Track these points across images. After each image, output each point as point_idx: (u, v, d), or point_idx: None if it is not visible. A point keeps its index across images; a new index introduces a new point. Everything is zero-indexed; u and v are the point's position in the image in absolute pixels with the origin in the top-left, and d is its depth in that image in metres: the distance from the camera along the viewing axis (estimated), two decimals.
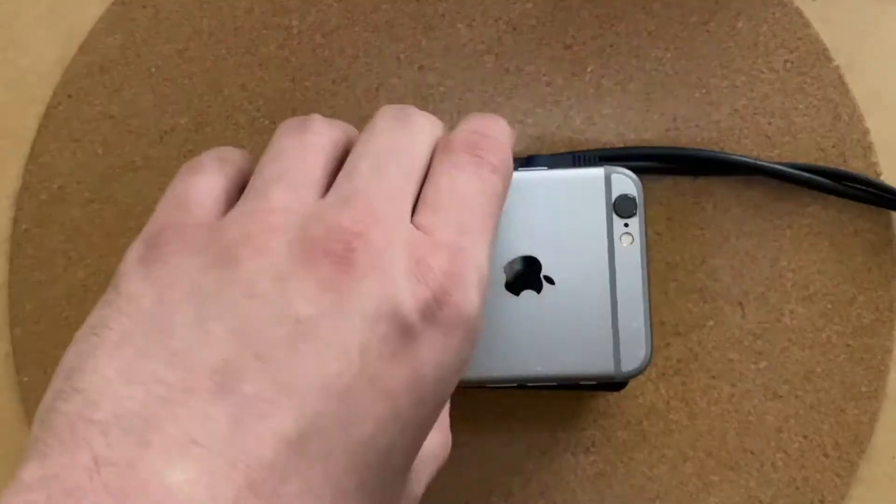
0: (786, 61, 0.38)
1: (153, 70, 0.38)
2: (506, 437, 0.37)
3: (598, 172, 0.29)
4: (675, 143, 0.38)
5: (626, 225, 0.28)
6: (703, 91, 0.38)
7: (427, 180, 0.22)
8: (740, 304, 0.37)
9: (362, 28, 0.38)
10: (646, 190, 0.38)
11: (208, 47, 0.38)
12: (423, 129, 0.23)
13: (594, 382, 0.30)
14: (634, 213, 0.28)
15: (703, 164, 0.37)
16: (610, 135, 0.38)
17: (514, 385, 0.30)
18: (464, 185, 0.22)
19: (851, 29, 0.39)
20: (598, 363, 0.29)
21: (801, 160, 0.38)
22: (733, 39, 0.38)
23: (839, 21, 0.39)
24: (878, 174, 0.38)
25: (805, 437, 0.37)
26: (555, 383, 0.30)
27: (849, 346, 0.37)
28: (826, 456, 0.37)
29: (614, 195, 0.29)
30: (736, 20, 0.38)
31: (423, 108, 0.39)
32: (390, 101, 0.38)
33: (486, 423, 0.37)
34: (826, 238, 0.38)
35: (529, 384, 0.30)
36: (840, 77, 0.38)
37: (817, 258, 0.37)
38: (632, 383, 0.36)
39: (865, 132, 0.38)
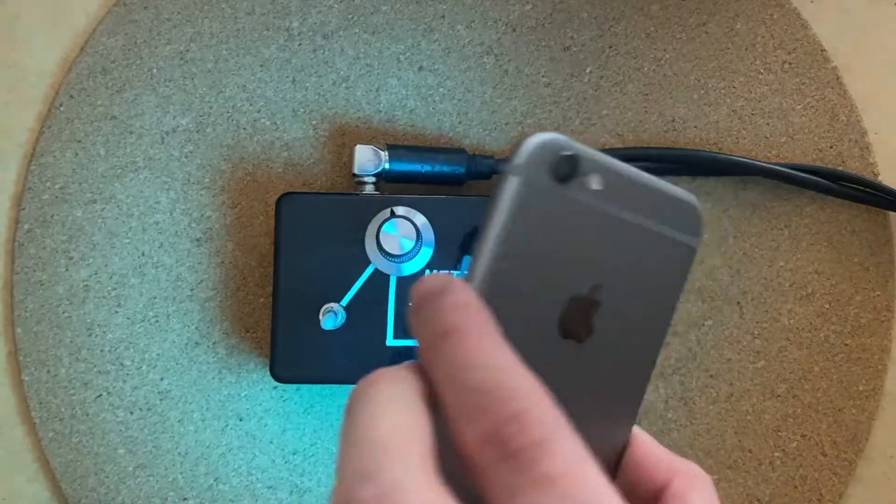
0: (784, 62, 0.38)
1: (154, 71, 0.38)
2: None
3: None
4: (674, 143, 0.38)
5: None
6: (702, 92, 0.38)
7: None
8: (738, 303, 0.37)
9: (362, 29, 0.38)
10: None
11: (209, 48, 0.38)
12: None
13: None
14: None
15: (701, 164, 0.37)
16: (609, 135, 0.38)
17: None
18: None
19: (849, 30, 0.39)
20: None
21: (799, 161, 0.38)
22: (731, 41, 0.38)
23: (837, 22, 0.39)
24: (876, 175, 0.38)
25: (803, 436, 0.37)
26: None
27: (846, 345, 0.37)
28: (824, 455, 0.37)
29: None
30: (734, 22, 0.39)
31: (424, 108, 0.38)
32: (390, 102, 0.38)
33: None
34: (824, 238, 0.38)
35: None
36: (838, 78, 0.38)
37: (815, 258, 0.38)
38: None
39: (863, 133, 0.38)
